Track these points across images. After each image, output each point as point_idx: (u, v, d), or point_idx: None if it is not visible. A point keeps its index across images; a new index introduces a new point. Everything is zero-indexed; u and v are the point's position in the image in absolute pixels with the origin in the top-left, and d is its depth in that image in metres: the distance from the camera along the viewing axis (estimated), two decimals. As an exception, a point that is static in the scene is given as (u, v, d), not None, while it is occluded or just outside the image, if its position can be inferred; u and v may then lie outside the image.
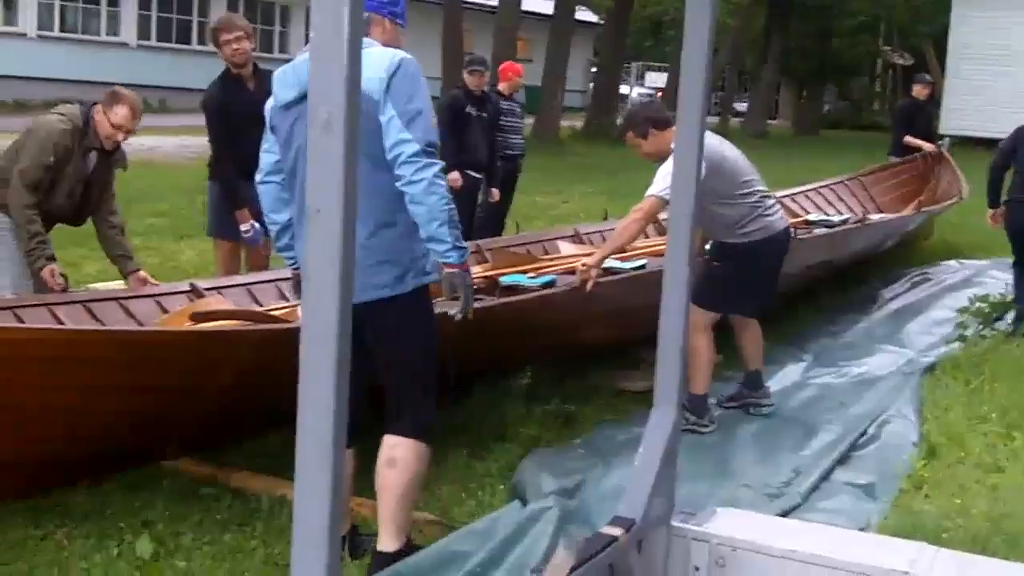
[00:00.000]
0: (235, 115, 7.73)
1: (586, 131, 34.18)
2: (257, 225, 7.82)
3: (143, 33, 36.91)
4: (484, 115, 11.96)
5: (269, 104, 4.84)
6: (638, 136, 7.22)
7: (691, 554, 2.83)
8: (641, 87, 54.27)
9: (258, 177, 4.89)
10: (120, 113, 6.91)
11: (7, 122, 25.87)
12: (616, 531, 2.53)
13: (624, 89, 47.48)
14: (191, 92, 29.60)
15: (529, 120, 23.00)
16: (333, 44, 1.45)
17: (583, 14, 36.80)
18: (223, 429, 5.86)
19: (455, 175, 11.08)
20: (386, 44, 4.61)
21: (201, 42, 36.19)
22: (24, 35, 33.41)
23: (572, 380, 7.65)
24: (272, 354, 4.61)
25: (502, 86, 13.14)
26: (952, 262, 13.72)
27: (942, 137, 16.85)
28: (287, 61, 4.90)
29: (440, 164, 4.43)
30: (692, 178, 2.55)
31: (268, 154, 4.87)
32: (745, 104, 50.33)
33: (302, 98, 4.50)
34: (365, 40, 4.40)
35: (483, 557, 4.62)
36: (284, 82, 4.64)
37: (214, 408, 5.59)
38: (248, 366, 5.44)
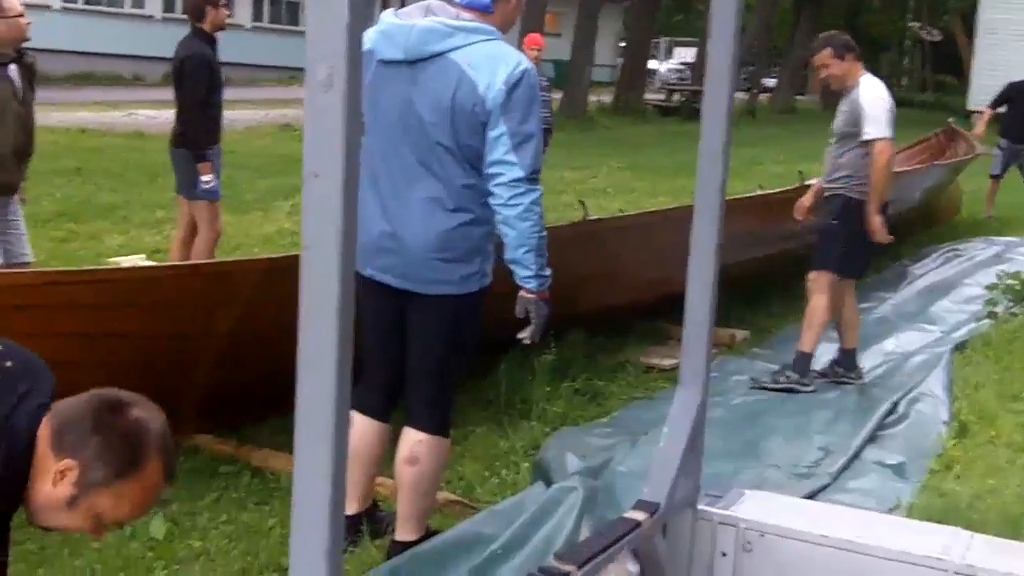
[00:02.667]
0: (214, 74, 8.08)
1: (615, 106, 34.00)
2: (217, 180, 8.27)
3: (168, 6, 36.94)
4: None
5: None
6: (836, 55, 7.30)
7: (717, 539, 2.73)
8: (670, 62, 53.88)
9: None
10: (8, 5, 6.47)
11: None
12: (640, 515, 2.43)
13: (653, 64, 47.20)
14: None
15: (557, 95, 22.92)
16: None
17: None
18: (236, 394, 5.72)
19: None
20: (503, 26, 4.41)
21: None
22: (48, 7, 33.33)
23: (599, 356, 7.55)
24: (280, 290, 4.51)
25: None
26: (981, 239, 13.63)
27: (969, 113, 17.00)
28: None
29: (540, 191, 4.29)
30: (719, 153, 2.43)
31: None
32: (774, 80, 49.98)
33: (402, 61, 4.29)
34: (480, 26, 4.27)
35: (505, 540, 4.51)
36: (390, 37, 4.30)
37: (219, 363, 5.49)
38: (251, 308, 5.35)
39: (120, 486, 2.30)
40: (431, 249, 4.24)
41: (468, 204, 4.28)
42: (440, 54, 4.17)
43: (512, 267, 4.35)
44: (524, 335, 4.47)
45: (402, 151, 4.25)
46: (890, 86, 7.45)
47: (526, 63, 4.24)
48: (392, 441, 4.63)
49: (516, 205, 4.20)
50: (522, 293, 4.39)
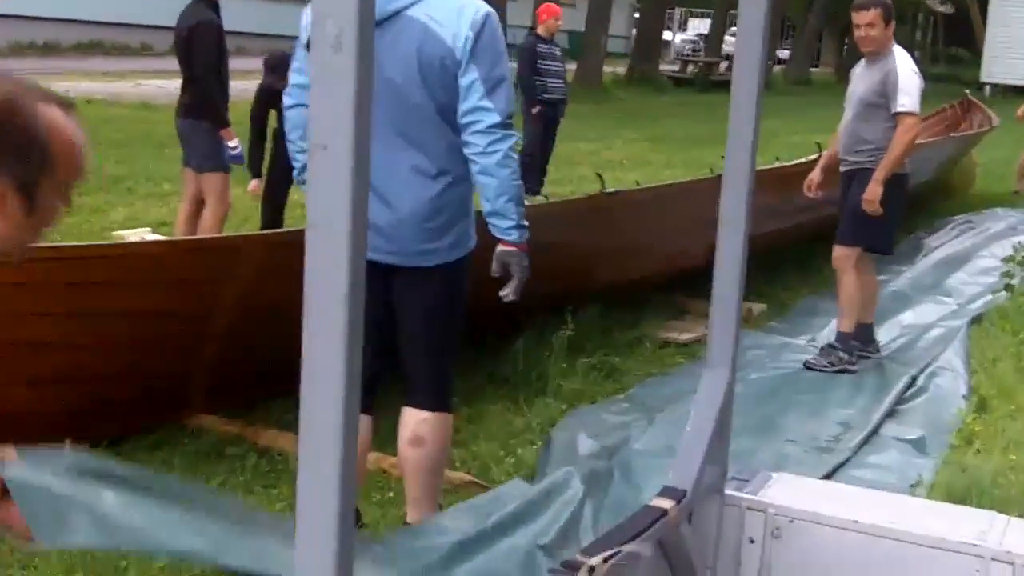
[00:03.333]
0: (221, 41, 8.03)
1: (629, 77, 33.78)
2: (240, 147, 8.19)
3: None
4: None
5: (306, 19, 4.52)
6: (883, 18, 6.97)
7: (745, 524, 2.62)
8: (684, 33, 53.62)
9: (288, 101, 4.59)
10: None
11: (38, 63, 25.87)
12: (666, 503, 2.32)
13: (667, 35, 46.98)
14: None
15: (572, 66, 22.76)
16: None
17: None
18: (244, 371, 5.61)
19: None
20: None
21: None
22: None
23: (616, 331, 7.45)
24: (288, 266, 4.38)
25: (540, 29, 12.90)
26: (996, 210, 13.52)
27: (981, 86, 16.87)
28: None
29: (516, 136, 4.18)
30: (751, 125, 2.32)
31: (299, 74, 4.49)
32: (787, 52, 49.73)
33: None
34: None
35: (480, 534, 4.28)
36: None
37: (225, 338, 5.39)
38: (258, 284, 5.26)
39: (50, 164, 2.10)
40: (421, 220, 4.12)
41: (449, 165, 4.16)
42: (399, 12, 4.05)
43: (491, 220, 4.18)
44: (507, 292, 4.29)
45: (380, 122, 4.12)
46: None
47: (487, 8, 4.13)
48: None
49: (495, 152, 4.07)
50: (502, 247, 4.22)
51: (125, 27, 31.97)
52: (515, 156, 4.14)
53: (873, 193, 6.89)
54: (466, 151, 4.11)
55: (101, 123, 16.72)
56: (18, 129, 2.02)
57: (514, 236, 4.19)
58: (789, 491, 2.71)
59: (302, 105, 4.50)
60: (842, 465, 5.64)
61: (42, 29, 30.23)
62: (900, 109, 6.86)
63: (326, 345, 1.30)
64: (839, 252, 7.25)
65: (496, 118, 4.06)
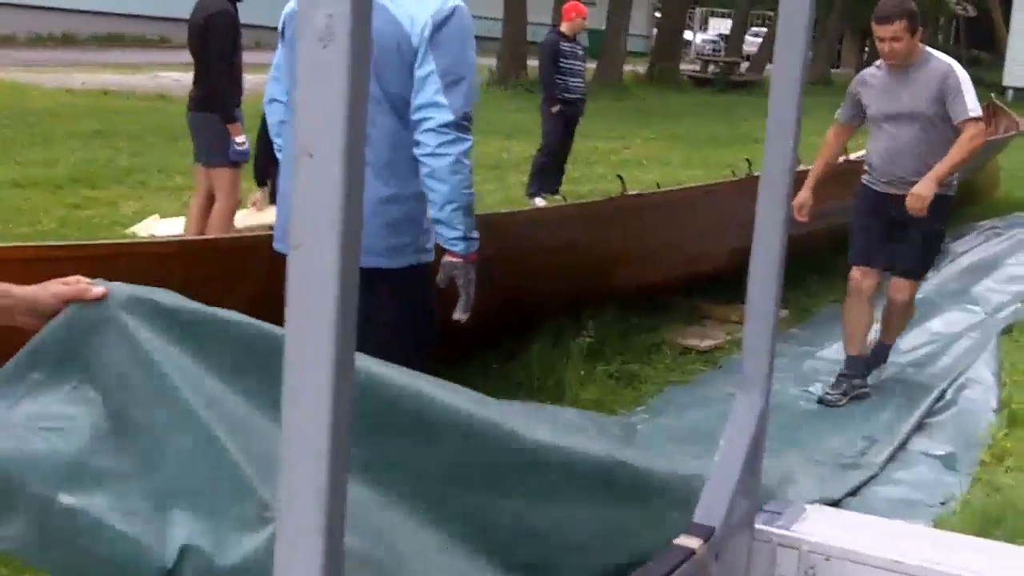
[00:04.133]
0: (237, 34, 7.88)
1: (649, 76, 33.61)
2: (247, 144, 7.97)
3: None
4: None
5: (289, 7, 4.26)
6: (909, 29, 6.42)
7: (777, 562, 2.42)
8: (705, 33, 53.38)
9: (271, 117, 4.38)
10: None
11: (55, 55, 25.79)
12: (693, 543, 2.13)
13: (688, 35, 46.75)
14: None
15: (592, 64, 22.60)
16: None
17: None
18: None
19: None
20: None
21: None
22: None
23: (635, 337, 7.26)
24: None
25: (564, 27, 12.75)
26: (1022, 215, 13.29)
27: (1004, 89, 16.64)
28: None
29: (470, 142, 3.90)
30: (791, 130, 2.13)
31: (277, 83, 4.31)
32: (809, 53, 49.49)
33: None
34: None
35: None
36: None
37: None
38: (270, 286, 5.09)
39: None
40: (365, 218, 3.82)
41: (401, 167, 3.92)
42: None
43: (437, 228, 3.95)
44: (459, 315, 4.04)
45: None
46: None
47: (458, 1, 3.90)
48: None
49: (445, 155, 3.82)
50: (448, 257, 3.98)
51: (143, 19, 31.90)
52: (468, 163, 3.89)
53: (928, 189, 6.27)
54: (415, 151, 3.87)
55: (117, 115, 16.62)
56: None
57: (460, 247, 3.95)
58: (825, 525, 2.51)
59: (281, 101, 4.32)
60: (869, 481, 5.45)
61: (61, 20, 30.18)
62: (972, 115, 6.34)
63: (313, 379, 1.12)
64: (906, 287, 6.81)
65: (449, 116, 3.81)
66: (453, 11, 3.86)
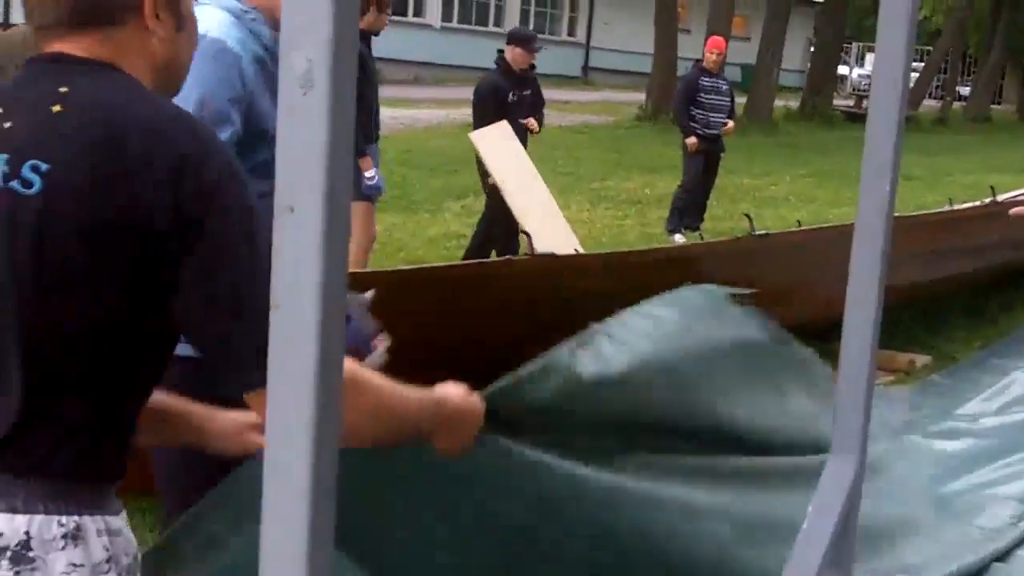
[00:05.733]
0: (365, 70, 7.56)
1: (801, 111, 33.24)
2: (381, 175, 8.01)
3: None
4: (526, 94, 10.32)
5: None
6: None
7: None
8: (861, 68, 52.60)
9: None
10: None
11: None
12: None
13: (843, 70, 46.16)
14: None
15: (741, 99, 22.37)
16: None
17: (805, -8, 35.92)
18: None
19: None
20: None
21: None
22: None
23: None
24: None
25: (705, 61, 12.64)
26: None
27: None
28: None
29: None
30: (887, 174, 2.01)
31: (230, 127, 3.39)
32: (968, 88, 48.47)
33: None
34: None
35: None
36: None
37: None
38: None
39: None
40: None
41: None
42: None
43: None
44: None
45: None
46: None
47: (211, 31, 3.14)
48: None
49: None
50: None
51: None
52: None
53: None
54: None
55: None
56: None
57: None
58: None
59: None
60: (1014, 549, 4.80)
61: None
62: None
63: (294, 455, 1.04)
64: None
65: None
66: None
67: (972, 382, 7.34)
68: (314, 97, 0.98)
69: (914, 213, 9.48)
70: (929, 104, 41.45)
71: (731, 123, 12.70)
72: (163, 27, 2.02)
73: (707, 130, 12.34)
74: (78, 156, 1.85)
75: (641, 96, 27.90)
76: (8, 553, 1.83)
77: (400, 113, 21.57)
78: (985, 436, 6.30)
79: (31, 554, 1.83)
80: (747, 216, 7.27)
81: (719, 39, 13.13)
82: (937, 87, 46.70)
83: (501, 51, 10.21)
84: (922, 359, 7.90)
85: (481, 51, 38.34)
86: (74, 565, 1.85)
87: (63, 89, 1.91)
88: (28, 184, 1.85)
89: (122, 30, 1.99)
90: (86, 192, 1.84)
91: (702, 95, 12.30)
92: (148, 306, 1.88)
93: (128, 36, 1.99)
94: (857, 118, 34.86)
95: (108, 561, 1.89)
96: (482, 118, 9.78)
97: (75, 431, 1.89)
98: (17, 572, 1.82)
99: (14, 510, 1.84)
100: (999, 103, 48.94)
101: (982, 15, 45.18)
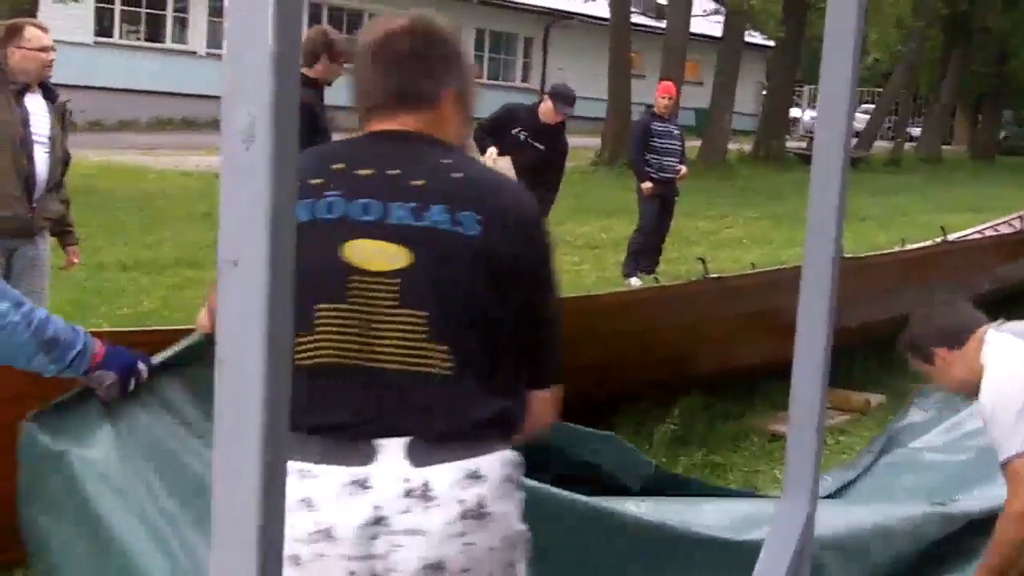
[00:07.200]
0: (315, 120, 7.51)
1: (755, 154, 33.48)
2: None
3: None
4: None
5: None
6: (920, 360, 4.65)
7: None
8: (813, 110, 52.94)
9: None
10: (30, 36, 6.28)
11: (174, 139, 26.28)
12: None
13: (795, 112, 46.49)
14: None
15: (696, 143, 22.49)
16: (254, 4, 0.99)
17: (758, 37, 36.13)
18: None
19: None
20: None
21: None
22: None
23: (721, 424, 7.08)
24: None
25: (656, 107, 12.73)
26: None
27: None
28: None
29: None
30: (833, 218, 2.03)
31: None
32: (919, 128, 48.95)
33: None
34: None
35: None
36: None
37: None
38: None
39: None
40: None
41: None
42: None
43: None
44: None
45: None
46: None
47: None
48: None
49: None
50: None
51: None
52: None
53: None
54: None
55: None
56: (457, 51, 2.74)
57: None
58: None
59: None
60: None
61: (182, 105, 30.88)
62: None
63: (238, 512, 1.04)
64: None
65: None
66: None
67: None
68: (256, 151, 0.98)
69: (867, 254, 9.55)
70: (881, 145, 41.82)
71: (684, 168, 12.73)
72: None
73: (661, 174, 12.40)
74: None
75: (597, 141, 28.03)
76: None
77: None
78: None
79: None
80: (701, 260, 7.31)
81: (669, 84, 13.25)
82: (888, 128, 47.10)
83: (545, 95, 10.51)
84: (877, 398, 7.95)
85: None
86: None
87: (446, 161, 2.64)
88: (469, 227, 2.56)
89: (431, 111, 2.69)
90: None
91: (655, 140, 12.36)
92: None
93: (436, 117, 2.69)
94: (810, 160, 35.12)
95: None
96: (488, 132, 9.89)
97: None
98: None
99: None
100: (950, 143, 49.42)
101: (932, 56, 45.68)
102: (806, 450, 2.15)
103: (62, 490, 3.08)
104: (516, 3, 40.40)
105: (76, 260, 6.94)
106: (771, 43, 35.69)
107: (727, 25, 31.32)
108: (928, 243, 9.82)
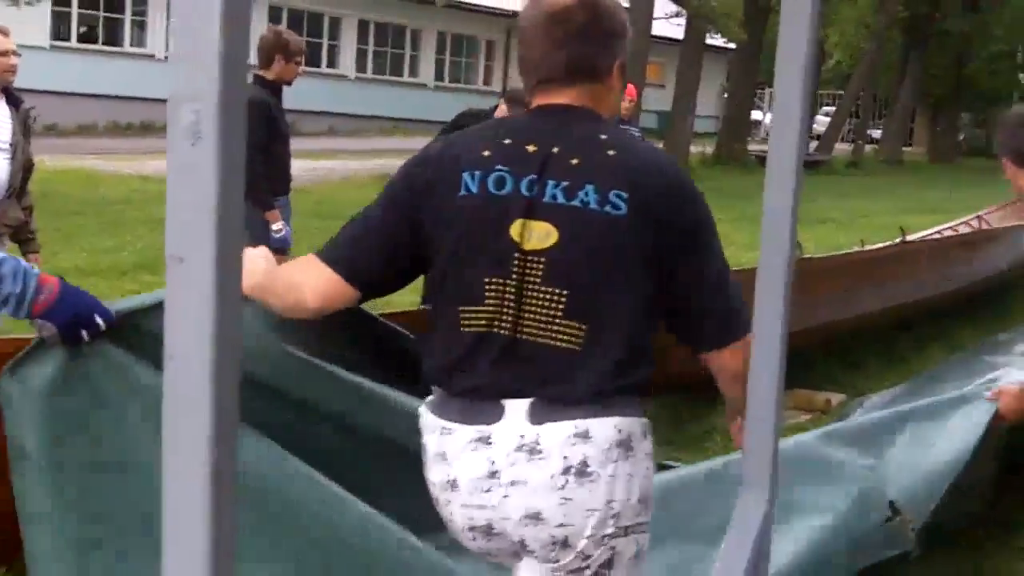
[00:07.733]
0: (274, 122, 7.67)
1: (717, 157, 33.59)
2: (288, 228, 7.82)
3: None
4: None
5: None
6: (1016, 163, 4.27)
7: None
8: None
9: None
10: None
11: (132, 143, 26.12)
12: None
13: (757, 115, 46.68)
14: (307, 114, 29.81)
15: (658, 145, 22.50)
16: (201, 2, 0.98)
17: (720, 39, 36.26)
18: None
19: None
20: None
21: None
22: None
23: (686, 423, 7.10)
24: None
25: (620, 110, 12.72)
26: None
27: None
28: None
29: None
30: (787, 219, 2.04)
31: None
32: (879, 131, 49.21)
33: None
34: None
35: None
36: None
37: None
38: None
39: None
40: None
41: None
42: None
43: None
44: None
45: None
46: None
47: None
48: None
49: None
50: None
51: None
52: None
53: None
54: None
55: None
56: (624, 22, 2.83)
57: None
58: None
59: None
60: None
61: (140, 109, 30.76)
62: None
63: (187, 509, 1.04)
64: None
65: None
66: None
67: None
68: (202, 149, 0.98)
69: (828, 255, 9.60)
70: (842, 147, 42.01)
71: None
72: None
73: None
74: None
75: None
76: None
77: (316, 164, 21.55)
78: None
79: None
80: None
81: (631, 87, 13.25)
82: (849, 131, 47.36)
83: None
84: (838, 397, 7.99)
85: (396, 101, 38.38)
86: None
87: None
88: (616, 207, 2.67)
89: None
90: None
91: (615, 142, 12.38)
92: None
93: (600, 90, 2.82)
94: (772, 162, 35.33)
95: None
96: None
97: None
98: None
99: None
100: (910, 145, 49.70)
101: (891, 58, 45.95)
102: (763, 446, 2.17)
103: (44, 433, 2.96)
104: (478, 6, 40.41)
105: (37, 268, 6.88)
106: (732, 46, 35.79)
107: (689, 28, 31.40)
108: (887, 243, 9.87)
